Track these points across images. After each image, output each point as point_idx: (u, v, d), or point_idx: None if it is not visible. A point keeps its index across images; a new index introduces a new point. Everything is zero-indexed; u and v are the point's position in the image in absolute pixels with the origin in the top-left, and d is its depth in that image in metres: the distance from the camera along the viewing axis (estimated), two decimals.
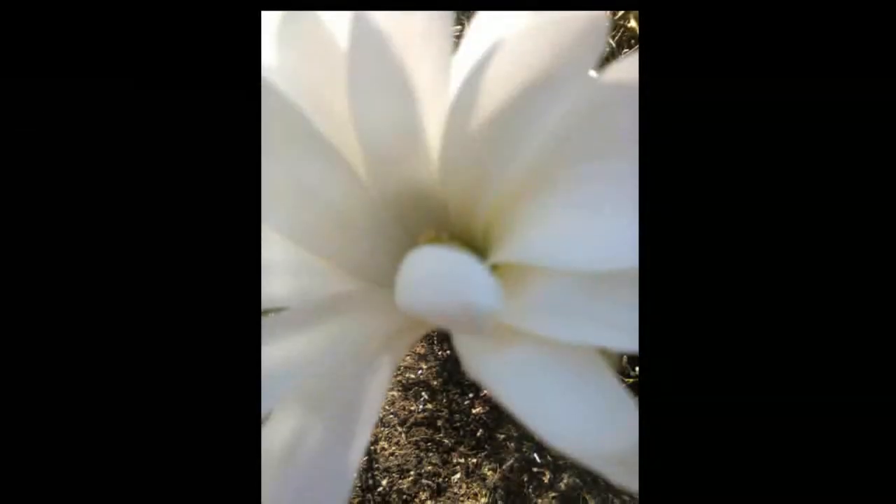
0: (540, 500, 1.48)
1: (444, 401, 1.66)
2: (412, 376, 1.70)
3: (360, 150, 0.34)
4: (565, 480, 1.50)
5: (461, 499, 1.50)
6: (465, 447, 1.58)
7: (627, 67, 0.29)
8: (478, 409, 1.63)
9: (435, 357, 1.73)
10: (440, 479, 1.54)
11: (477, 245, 0.36)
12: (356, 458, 0.31)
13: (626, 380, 1.40)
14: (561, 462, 1.52)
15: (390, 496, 1.51)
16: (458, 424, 1.62)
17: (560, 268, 0.29)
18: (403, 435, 1.61)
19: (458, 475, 1.54)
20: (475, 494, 1.50)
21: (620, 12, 1.49)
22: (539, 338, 0.28)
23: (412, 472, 1.55)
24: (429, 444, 1.60)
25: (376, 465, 1.56)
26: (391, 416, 1.64)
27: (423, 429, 1.62)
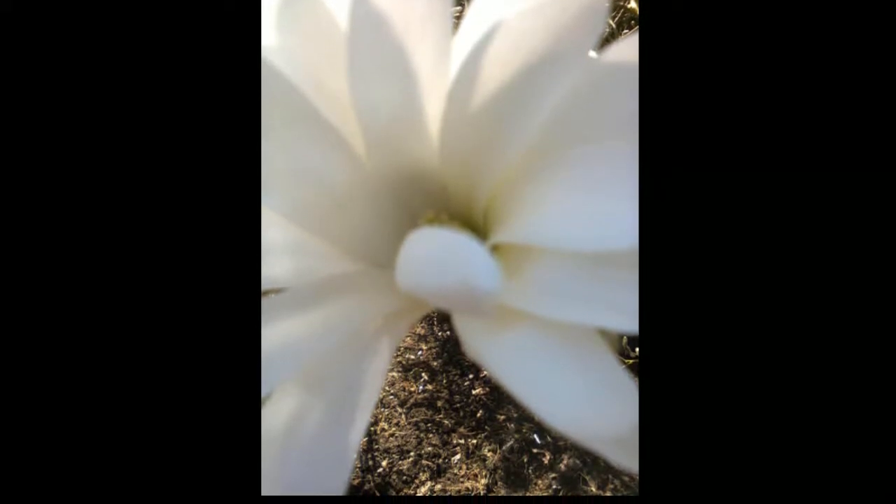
0: (540, 481, 1.49)
1: (444, 382, 1.66)
2: (412, 357, 1.70)
3: (359, 131, 0.34)
4: (565, 461, 1.51)
5: (461, 479, 1.51)
6: (465, 428, 1.59)
7: (627, 49, 0.29)
8: (478, 390, 1.64)
9: (435, 338, 1.73)
10: (440, 460, 1.55)
11: (477, 226, 0.36)
12: (356, 438, 0.31)
13: (626, 361, 1.41)
14: (561, 443, 1.53)
15: (390, 477, 1.52)
16: (459, 405, 1.63)
17: (560, 248, 0.29)
18: (403, 416, 1.62)
19: (458, 456, 1.55)
20: (475, 475, 1.51)
21: None
22: (539, 319, 0.28)
23: (412, 453, 1.56)
24: (429, 425, 1.61)
25: (376, 446, 1.57)
26: (391, 396, 1.65)
27: (423, 410, 1.63)
